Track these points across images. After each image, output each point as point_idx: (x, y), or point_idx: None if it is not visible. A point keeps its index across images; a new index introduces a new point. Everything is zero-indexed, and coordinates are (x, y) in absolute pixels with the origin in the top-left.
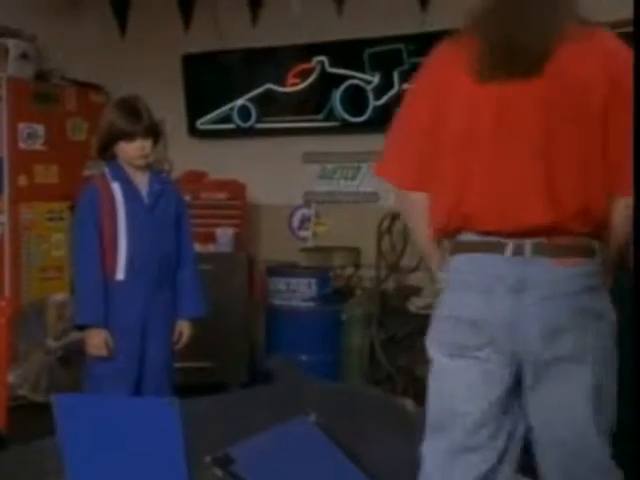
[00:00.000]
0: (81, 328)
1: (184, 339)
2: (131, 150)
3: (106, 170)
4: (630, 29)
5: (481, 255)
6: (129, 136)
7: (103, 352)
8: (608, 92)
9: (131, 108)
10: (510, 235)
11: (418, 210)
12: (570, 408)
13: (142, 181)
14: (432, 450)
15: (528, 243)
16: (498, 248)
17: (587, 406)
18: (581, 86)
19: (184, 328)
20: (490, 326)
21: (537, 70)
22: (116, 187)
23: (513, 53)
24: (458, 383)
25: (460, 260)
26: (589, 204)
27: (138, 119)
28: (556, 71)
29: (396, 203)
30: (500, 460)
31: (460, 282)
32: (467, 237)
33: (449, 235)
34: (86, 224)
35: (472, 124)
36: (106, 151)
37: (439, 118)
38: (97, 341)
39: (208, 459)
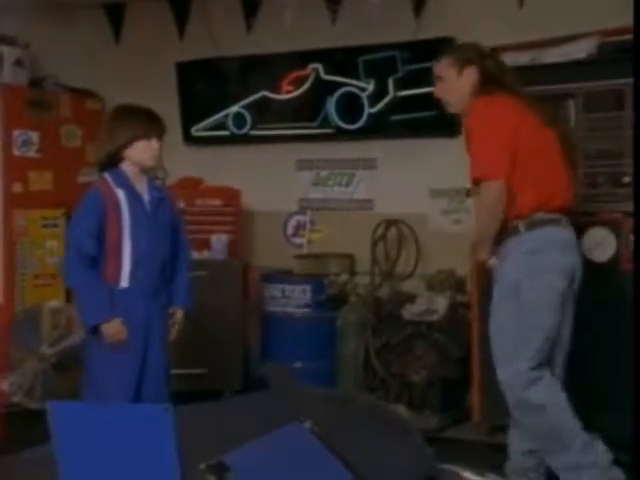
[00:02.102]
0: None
1: (178, 327)
2: (149, 149)
3: (107, 176)
4: (620, 38)
5: (550, 227)
6: (149, 135)
7: (123, 335)
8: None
9: (149, 111)
10: (560, 213)
11: (504, 199)
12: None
13: (142, 188)
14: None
15: (564, 218)
16: (557, 222)
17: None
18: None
19: (179, 315)
20: (570, 271)
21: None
22: (120, 194)
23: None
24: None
25: (540, 232)
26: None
27: (159, 119)
28: None
29: (494, 194)
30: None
31: (544, 246)
32: (539, 216)
33: (525, 216)
34: (84, 224)
35: (541, 146)
36: (116, 155)
37: (516, 141)
38: (113, 330)
39: (203, 466)
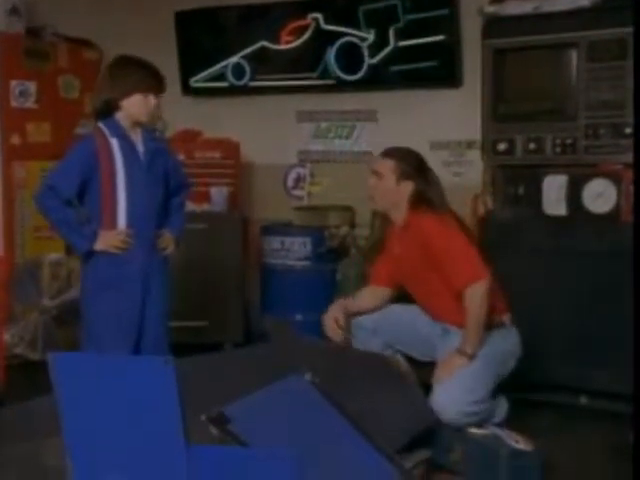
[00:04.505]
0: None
1: (170, 249)
2: (145, 104)
3: (102, 126)
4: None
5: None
6: (147, 90)
7: (121, 235)
8: None
9: (152, 66)
10: None
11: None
12: None
13: (137, 139)
14: None
15: None
16: None
17: None
18: None
19: (166, 237)
20: None
21: None
22: (114, 143)
23: None
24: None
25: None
26: None
27: (161, 77)
28: None
29: (485, 293)
30: None
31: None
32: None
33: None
34: (67, 169)
35: None
36: (113, 104)
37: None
38: (109, 241)
39: (204, 418)
